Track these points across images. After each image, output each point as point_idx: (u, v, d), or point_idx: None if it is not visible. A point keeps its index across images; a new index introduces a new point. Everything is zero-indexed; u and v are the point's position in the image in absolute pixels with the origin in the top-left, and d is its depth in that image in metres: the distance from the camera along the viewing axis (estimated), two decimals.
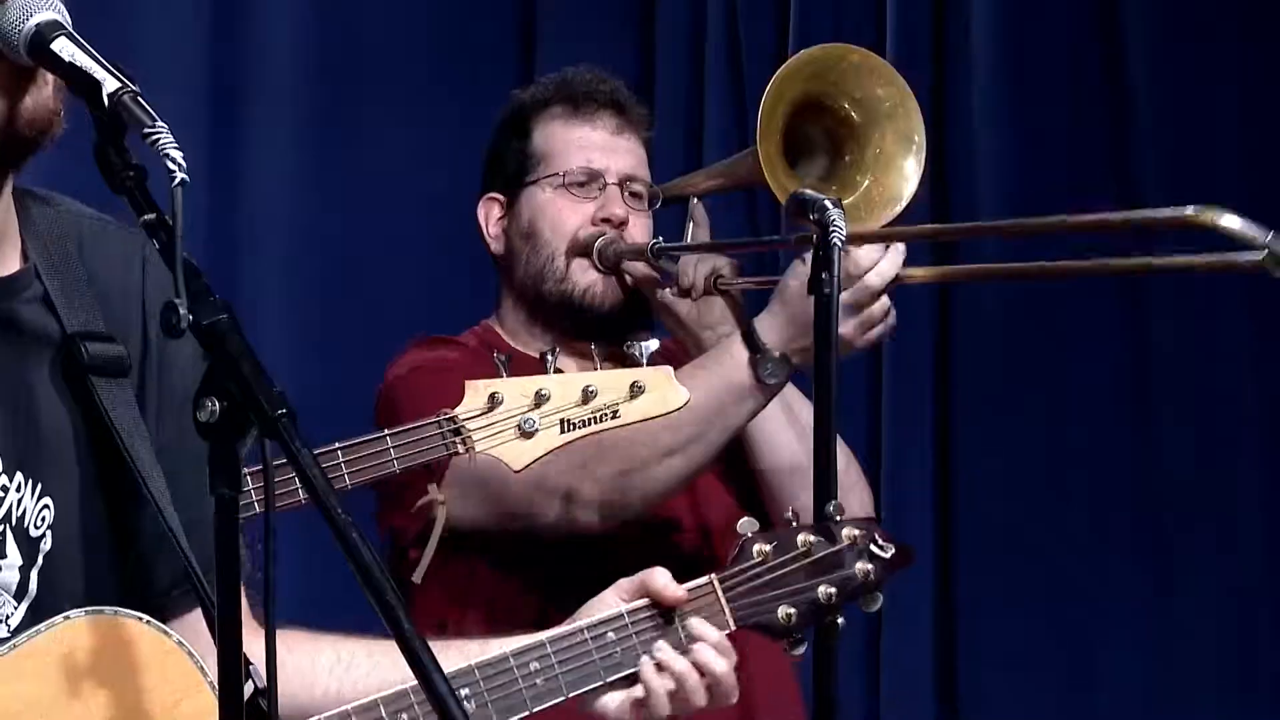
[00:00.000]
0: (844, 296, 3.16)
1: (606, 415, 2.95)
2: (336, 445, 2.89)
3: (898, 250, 3.29)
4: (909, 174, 3.49)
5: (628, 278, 3.53)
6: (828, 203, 3.13)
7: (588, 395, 2.94)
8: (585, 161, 3.55)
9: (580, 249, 3.51)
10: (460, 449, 2.92)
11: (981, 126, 4.72)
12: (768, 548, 2.81)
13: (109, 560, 2.28)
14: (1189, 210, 2.96)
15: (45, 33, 2.07)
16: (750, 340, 3.31)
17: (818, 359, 3.12)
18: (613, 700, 2.70)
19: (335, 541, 1.88)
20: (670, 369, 3.03)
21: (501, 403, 2.91)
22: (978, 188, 4.70)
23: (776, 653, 3.39)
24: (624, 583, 2.74)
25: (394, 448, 2.92)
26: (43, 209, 2.33)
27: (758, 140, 3.40)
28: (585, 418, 2.94)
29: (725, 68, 4.88)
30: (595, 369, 3.02)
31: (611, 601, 2.73)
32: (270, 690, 1.97)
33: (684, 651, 2.71)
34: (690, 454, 3.31)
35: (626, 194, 3.57)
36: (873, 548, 2.86)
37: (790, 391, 3.45)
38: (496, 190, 3.61)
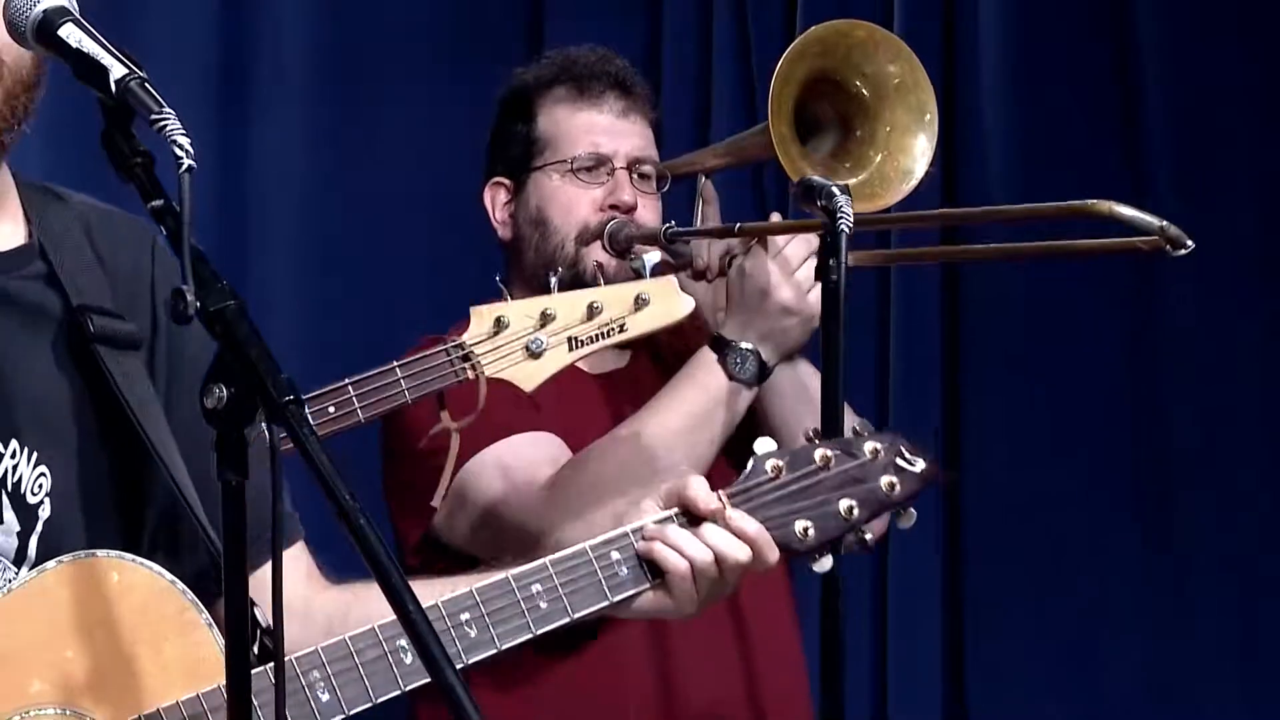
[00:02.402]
0: (773, 268, 3.29)
1: (614, 330, 2.94)
2: (347, 380, 2.88)
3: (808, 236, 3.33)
4: (922, 148, 3.48)
5: None
6: (835, 189, 3.13)
7: (593, 311, 2.93)
8: (592, 146, 3.52)
9: (591, 236, 3.50)
10: (469, 374, 2.91)
11: (990, 110, 4.71)
12: (781, 463, 2.69)
13: (117, 529, 2.29)
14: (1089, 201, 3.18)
15: (52, 18, 2.08)
16: (715, 342, 3.33)
17: (826, 344, 3.12)
18: (644, 600, 2.62)
19: (341, 525, 1.89)
20: (673, 278, 3.04)
21: (508, 325, 2.91)
22: (987, 172, 4.69)
23: (786, 645, 3.43)
24: (664, 488, 2.67)
25: (404, 378, 2.90)
26: (51, 200, 2.36)
27: (770, 121, 3.38)
28: (592, 334, 2.93)
29: (733, 46, 4.87)
30: (600, 285, 3.02)
31: (649, 508, 2.66)
32: (276, 634, 1.97)
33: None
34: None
35: (635, 177, 3.54)
36: (899, 461, 2.74)
37: (807, 369, 3.46)
38: (502, 174, 3.58)
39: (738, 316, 3.34)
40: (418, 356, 2.91)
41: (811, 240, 3.31)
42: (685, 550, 2.60)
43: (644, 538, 2.61)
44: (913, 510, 2.76)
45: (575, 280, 3.47)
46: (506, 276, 3.60)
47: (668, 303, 2.98)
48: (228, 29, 4.54)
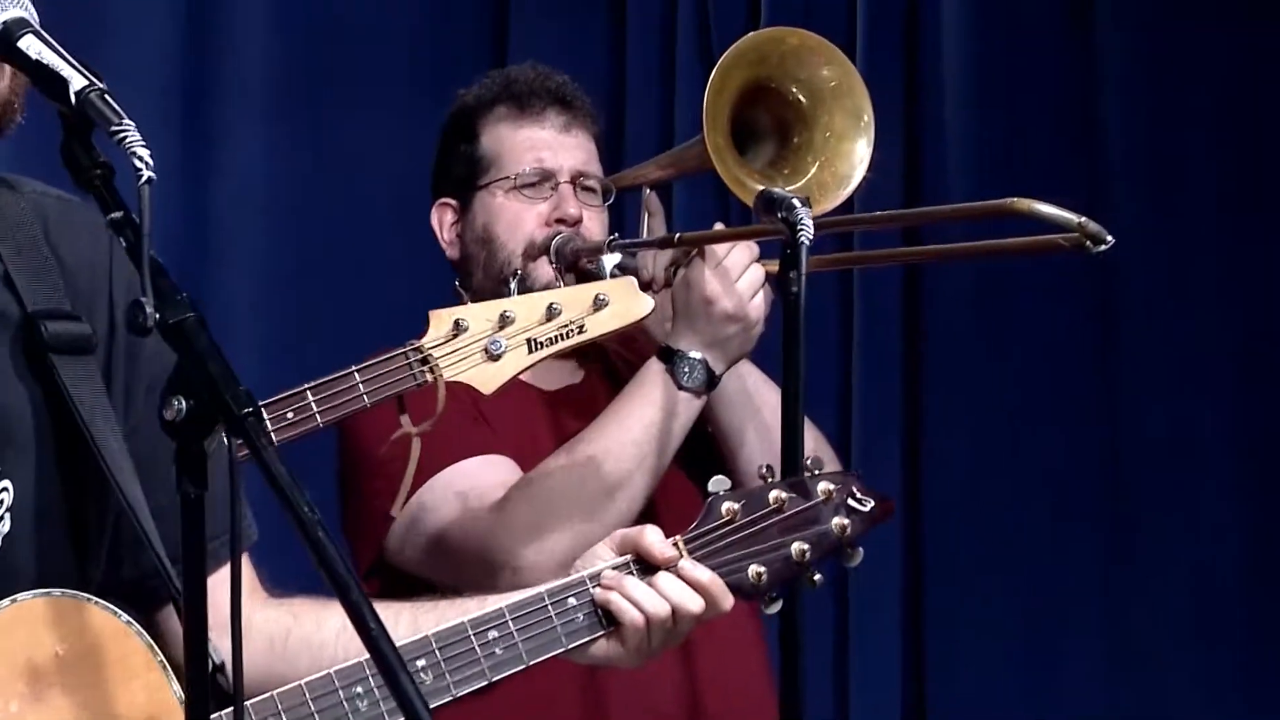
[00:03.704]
0: (714, 278, 3.29)
1: (573, 330, 2.95)
2: (305, 386, 2.87)
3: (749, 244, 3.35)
4: (860, 154, 3.48)
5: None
6: (795, 201, 3.13)
7: (552, 312, 2.94)
8: (536, 162, 3.52)
9: (537, 252, 3.49)
10: (428, 377, 2.90)
11: (952, 114, 4.73)
12: (737, 506, 2.72)
13: (69, 543, 2.28)
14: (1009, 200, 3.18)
15: (12, 30, 2.08)
16: (664, 352, 3.35)
17: (786, 353, 3.12)
18: (597, 647, 2.66)
19: (300, 537, 1.88)
20: (633, 279, 3.04)
21: (466, 328, 2.91)
22: (949, 176, 4.71)
23: (741, 642, 3.42)
24: (618, 534, 2.72)
25: (363, 383, 2.89)
26: (7, 193, 2.33)
27: (704, 132, 3.40)
28: (552, 335, 2.94)
29: (696, 57, 4.88)
30: (559, 287, 3.01)
31: (603, 554, 2.69)
32: (235, 667, 1.97)
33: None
34: (636, 482, 3.30)
35: (579, 190, 3.54)
36: (850, 502, 2.78)
37: (756, 378, 3.46)
38: (448, 195, 3.59)
39: (683, 326, 3.34)
40: (376, 360, 2.91)
41: (753, 248, 3.34)
42: (641, 603, 2.64)
43: (601, 586, 2.65)
44: (860, 549, 2.80)
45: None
46: (458, 297, 3.59)
47: (627, 302, 2.99)
48: (192, 46, 4.54)
